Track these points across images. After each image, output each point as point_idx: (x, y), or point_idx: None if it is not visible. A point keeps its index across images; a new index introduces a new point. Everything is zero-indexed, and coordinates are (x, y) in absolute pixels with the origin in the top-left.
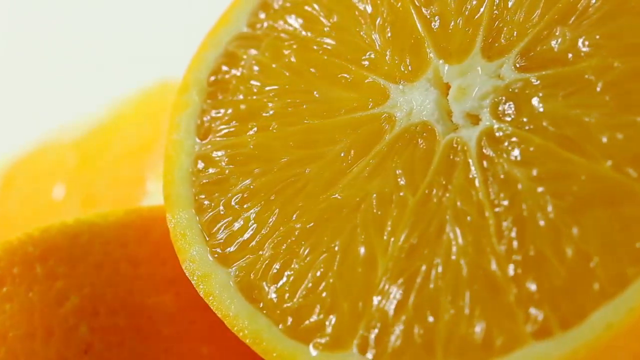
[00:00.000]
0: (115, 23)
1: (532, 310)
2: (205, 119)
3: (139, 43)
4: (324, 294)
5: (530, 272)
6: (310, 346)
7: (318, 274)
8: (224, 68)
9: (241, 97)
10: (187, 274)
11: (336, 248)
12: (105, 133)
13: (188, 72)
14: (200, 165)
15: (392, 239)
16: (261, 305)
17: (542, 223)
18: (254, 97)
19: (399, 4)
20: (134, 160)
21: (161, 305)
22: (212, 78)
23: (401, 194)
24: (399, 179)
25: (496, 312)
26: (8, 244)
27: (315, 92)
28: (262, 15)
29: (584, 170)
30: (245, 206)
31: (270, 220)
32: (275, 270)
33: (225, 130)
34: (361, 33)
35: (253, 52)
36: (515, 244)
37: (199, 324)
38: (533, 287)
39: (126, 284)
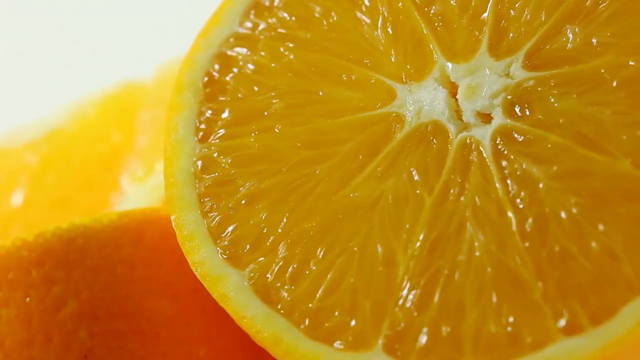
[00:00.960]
0: (70, 24)
1: (561, 307)
2: (203, 120)
3: (97, 45)
4: (344, 294)
5: (557, 268)
6: (334, 346)
7: (337, 274)
8: (220, 69)
9: (240, 97)
10: (198, 277)
11: (354, 248)
12: (66, 135)
13: (181, 74)
14: (203, 167)
15: (411, 238)
16: (279, 306)
17: (565, 220)
18: (255, 98)
19: (400, 3)
20: (105, 163)
21: (159, 308)
22: (207, 79)
23: (417, 192)
24: (414, 178)
25: (524, 308)
26: (2, 249)
27: (319, 92)
28: (256, 15)
29: (604, 168)
30: (255, 207)
31: (283, 220)
32: (292, 271)
33: (227, 132)
34: (362, 33)
35: (250, 52)
36: (538, 240)
37: (197, 326)
38: (560, 283)
39: (124, 287)
